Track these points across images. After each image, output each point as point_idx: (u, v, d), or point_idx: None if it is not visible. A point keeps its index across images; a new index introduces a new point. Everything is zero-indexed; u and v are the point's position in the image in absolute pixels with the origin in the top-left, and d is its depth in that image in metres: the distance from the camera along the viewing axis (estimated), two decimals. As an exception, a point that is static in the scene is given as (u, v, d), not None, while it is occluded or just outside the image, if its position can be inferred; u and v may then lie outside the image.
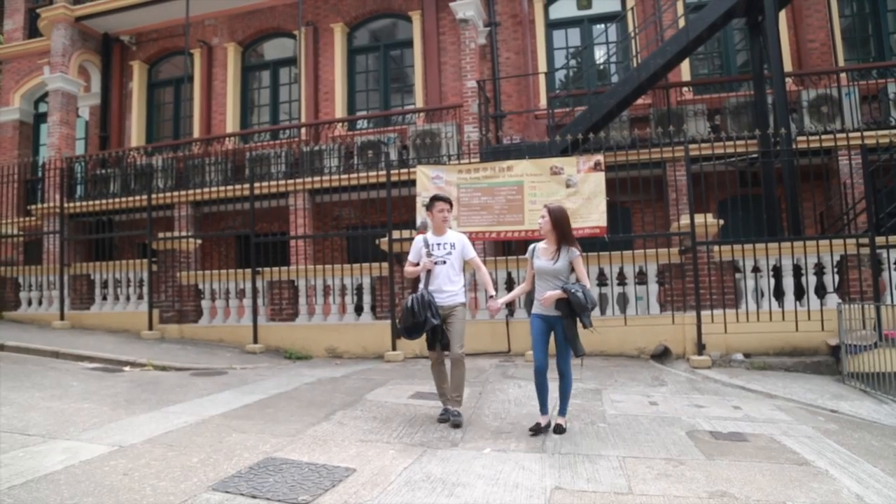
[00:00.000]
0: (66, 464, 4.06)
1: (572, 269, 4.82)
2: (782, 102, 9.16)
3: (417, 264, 5.36)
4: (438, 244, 5.32)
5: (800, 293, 8.25)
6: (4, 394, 6.11)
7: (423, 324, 4.98)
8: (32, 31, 16.00)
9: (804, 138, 8.88)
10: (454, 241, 5.36)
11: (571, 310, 4.66)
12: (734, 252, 8.41)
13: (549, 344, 4.92)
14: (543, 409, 5.00)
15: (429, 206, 5.42)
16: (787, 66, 10.98)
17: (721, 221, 8.71)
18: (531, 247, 5.08)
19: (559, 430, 4.87)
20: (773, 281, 8.37)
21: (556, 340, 4.89)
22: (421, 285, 5.23)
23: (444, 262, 5.25)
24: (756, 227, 9.15)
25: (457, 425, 5.09)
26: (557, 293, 4.71)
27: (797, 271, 8.32)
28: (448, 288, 5.22)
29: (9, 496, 3.48)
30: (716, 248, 8.47)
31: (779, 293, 8.36)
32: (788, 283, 8.30)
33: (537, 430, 4.88)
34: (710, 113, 10.85)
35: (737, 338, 8.04)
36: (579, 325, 4.77)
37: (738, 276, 8.54)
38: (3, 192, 13.15)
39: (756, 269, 8.38)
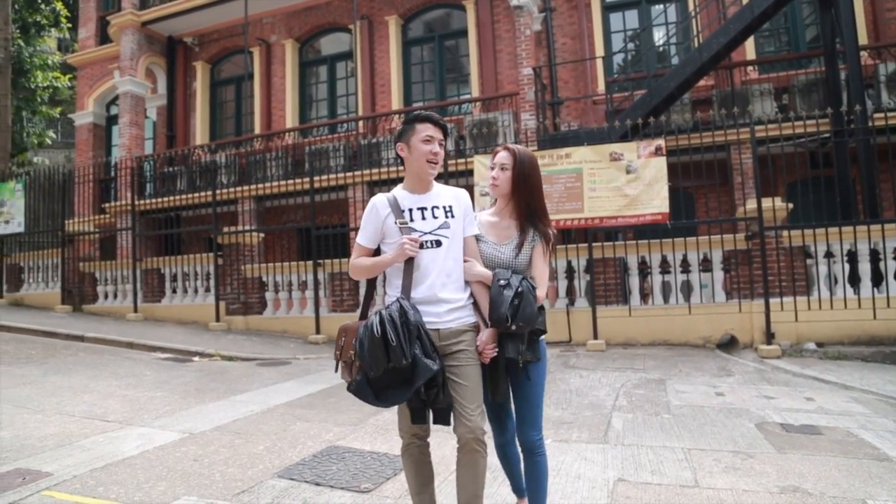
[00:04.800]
0: (141, 449, 4.27)
1: None
2: (857, 78, 8.65)
3: (376, 251, 2.71)
4: (423, 209, 2.65)
5: (878, 279, 7.83)
6: (86, 382, 6.47)
7: (411, 371, 2.40)
8: (103, 37, 16.74)
9: (882, 115, 8.40)
10: (450, 203, 2.70)
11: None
12: (804, 237, 8.05)
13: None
14: (516, 487, 3.01)
15: (402, 134, 2.67)
16: (862, 38, 10.33)
17: (790, 205, 8.36)
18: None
19: None
20: (847, 266, 7.96)
21: (511, 383, 2.76)
22: (391, 291, 2.65)
23: (439, 244, 2.62)
24: (828, 210, 8.71)
25: None
26: (480, 273, 2.66)
27: (874, 256, 7.89)
28: (448, 295, 2.62)
29: (91, 478, 3.70)
30: (785, 232, 8.15)
31: (854, 279, 7.96)
32: (865, 268, 7.88)
33: None
34: (777, 92, 10.36)
35: (808, 326, 7.71)
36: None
37: (808, 261, 8.18)
38: (81, 191, 13.89)
39: (829, 255, 8.01)
